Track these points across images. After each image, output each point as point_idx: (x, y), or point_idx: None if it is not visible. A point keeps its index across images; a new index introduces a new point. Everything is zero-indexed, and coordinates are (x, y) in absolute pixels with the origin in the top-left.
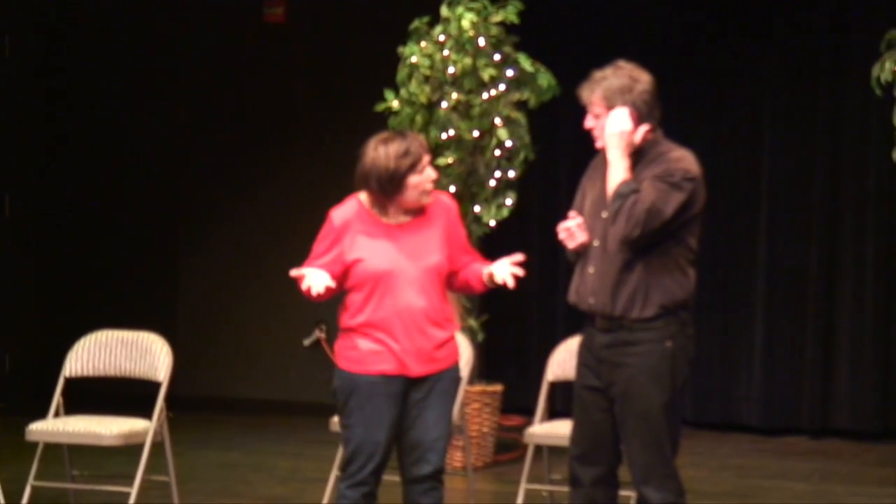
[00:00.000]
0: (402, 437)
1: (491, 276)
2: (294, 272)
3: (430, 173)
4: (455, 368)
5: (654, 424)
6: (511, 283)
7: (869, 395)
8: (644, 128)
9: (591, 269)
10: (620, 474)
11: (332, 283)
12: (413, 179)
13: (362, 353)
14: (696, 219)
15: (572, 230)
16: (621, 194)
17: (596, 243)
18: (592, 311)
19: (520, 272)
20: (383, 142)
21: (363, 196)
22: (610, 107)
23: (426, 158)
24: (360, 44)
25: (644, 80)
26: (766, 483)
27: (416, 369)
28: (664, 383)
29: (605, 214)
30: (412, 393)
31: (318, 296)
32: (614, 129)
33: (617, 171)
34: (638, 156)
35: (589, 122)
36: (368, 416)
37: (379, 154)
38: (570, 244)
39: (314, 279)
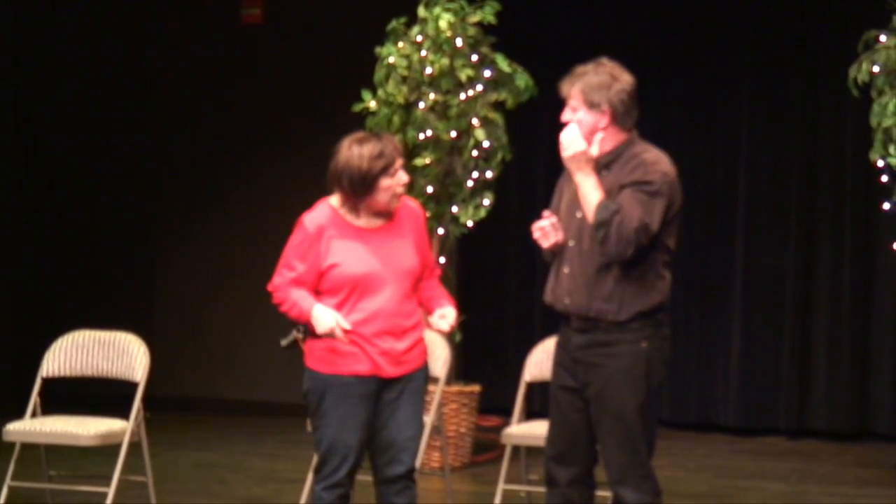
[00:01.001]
0: (375, 437)
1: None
2: (329, 327)
3: (401, 177)
4: (425, 368)
5: (629, 425)
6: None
7: (846, 396)
8: (599, 136)
9: (566, 270)
10: (597, 475)
11: (346, 325)
12: (385, 182)
13: (336, 354)
14: (674, 220)
15: (546, 229)
16: (604, 222)
17: (571, 243)
18: (568, 311)
19: (445, 327)
20: (358, 142)
21: (333, 200)
22: (587, 101)
23: (399, 162)
24: (338, 44)
25: (624, 79)
26: (744, 483)
27: (389, 370)
28: (639, 384)
29: (579, 214)
30: (384, 393)
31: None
32: (567, 153)
33: (588, 192)
34: (613, 157)
35: (566, 115)
36: (342, 416)
37: (353, 154)
38: (545, 244)
39: (330, 322)
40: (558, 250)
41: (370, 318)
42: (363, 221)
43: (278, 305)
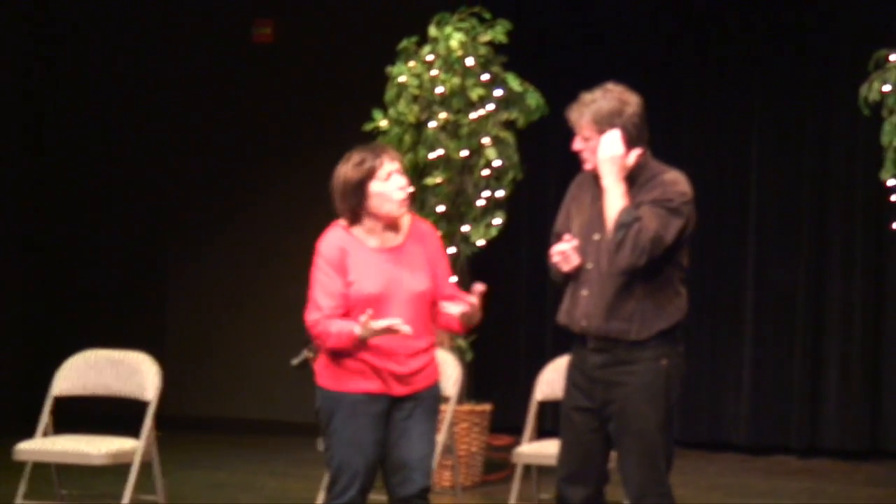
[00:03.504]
0: (387, 457)
1: (461, 314)
2: (384, 325)
3: (396, 180)
4: (437, 387)
5: (650, 442)
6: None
7: (857, 414)
8: (637, 151)
9: (584, 292)
10: (612, 494)
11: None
12: (375, 187)
13: (346, 371)
14: (688, 238)
15: (567, 253)
16: (624, 224)
17: (589, 266)
18: (585, 332)
19: (474, 300)
20: (347, 157)
21: (343, 222)
22: (600, 131)
23: (389, 167)
24: (349, 63)
25: (633, 102)
26: (755, 502)
27: (400, 389)
28: (659, 402)
29: (597, 237)
30: (395, 412)
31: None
32: (606, 154)
33: (614, 197)
34: (630, 179)
35: (577, 145)
36: (352, 435)
37: (340, 171)
38: (566, 267)
39: (381, 322)
40: (574, 273)
41: (382, 337)
42: (375, 241)
43: (320, 339)
